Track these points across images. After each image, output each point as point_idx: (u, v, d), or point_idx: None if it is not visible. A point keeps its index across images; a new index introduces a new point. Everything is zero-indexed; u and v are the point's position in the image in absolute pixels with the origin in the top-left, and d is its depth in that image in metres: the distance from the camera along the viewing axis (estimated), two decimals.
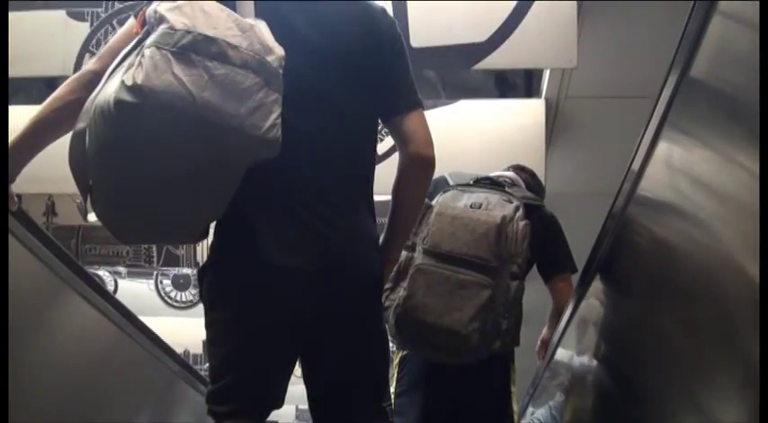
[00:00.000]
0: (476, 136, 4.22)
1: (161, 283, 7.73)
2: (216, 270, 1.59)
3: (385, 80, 1.66)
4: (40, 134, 1.57)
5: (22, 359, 1.96)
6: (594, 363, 1.95)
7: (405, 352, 2.38)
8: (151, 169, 1.38)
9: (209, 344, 1.62)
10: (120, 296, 5.71)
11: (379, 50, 1.65)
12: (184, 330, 6.75)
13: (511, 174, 2.46)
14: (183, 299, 7.59)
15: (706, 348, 1.11)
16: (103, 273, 7.84)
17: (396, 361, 2.41)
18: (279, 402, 1.62)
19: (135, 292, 7.33)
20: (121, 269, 7.90)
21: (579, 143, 4.66)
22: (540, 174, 4.16)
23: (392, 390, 2.28)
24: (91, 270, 7.07)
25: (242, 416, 1.56)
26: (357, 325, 1.61)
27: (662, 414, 1.34)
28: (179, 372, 3.85)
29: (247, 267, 1.54)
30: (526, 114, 4.25)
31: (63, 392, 2.40)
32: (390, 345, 1.84)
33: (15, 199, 1.65)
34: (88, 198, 1.47)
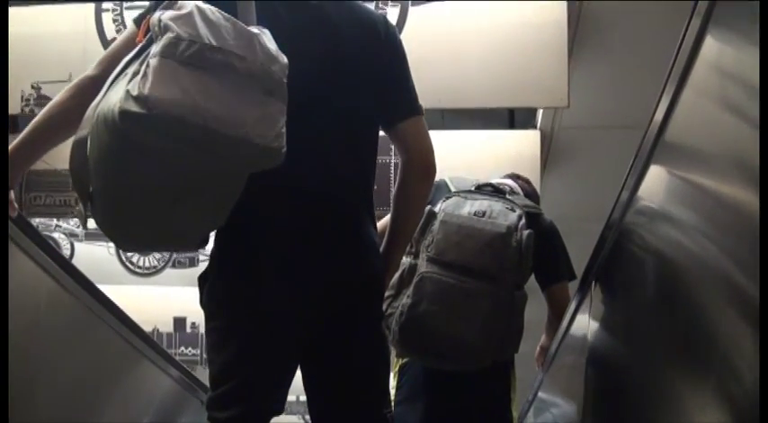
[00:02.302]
0: (475, 39, 3.87)
1: None
2: (216, 277, 1.71)
3: (385, 87, 1.79)
4: (39, 140, 1.68)
5: None
6: (595, 367, 2.06)
7: (405, 359, 2.54)
8: (154, 178, 1.48)
9: (209, 350, 1.74)
10: (76, 261, 5.64)
11: (380, 57, 1.78)
12: (152, 303, 6.65)
13: (509, 181, 2.64)
14: (147, 264, 7.39)
15: (708, 352, 1.16)
16: (59, 235, 7.80)
17: (395, 369, 2.58)
18: (279, 409, 1.74)
19: (94, 256, 7.29)
20: (78, 231, 7.86)
21: (609, 55, 4.05)
22: (562, 86, 3.89)
23: (392, 397, 2.41)
24: (45, 233, 7.01)
25: (242, 422, 1.68)
26: (358, 331, 1.75)
27: (661, 418, 1.40)
28: (149, 353, 3.74)
29: (248, 275, 1.67)
30: (543, 13, 3.82)
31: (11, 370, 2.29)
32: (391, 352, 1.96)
33: (15, 204, 1.74)
34: (88, 205, 1.57)
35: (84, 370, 2.89)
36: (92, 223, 1.67)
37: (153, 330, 6.77)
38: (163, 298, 6.69)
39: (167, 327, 7.02)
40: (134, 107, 1.38)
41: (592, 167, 4.79)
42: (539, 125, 4.81)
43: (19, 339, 2.32)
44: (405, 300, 2.21)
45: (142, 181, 1.49)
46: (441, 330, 2.17)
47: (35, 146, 1.69)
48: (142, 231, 1.59)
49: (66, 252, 7.43)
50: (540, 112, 4.74)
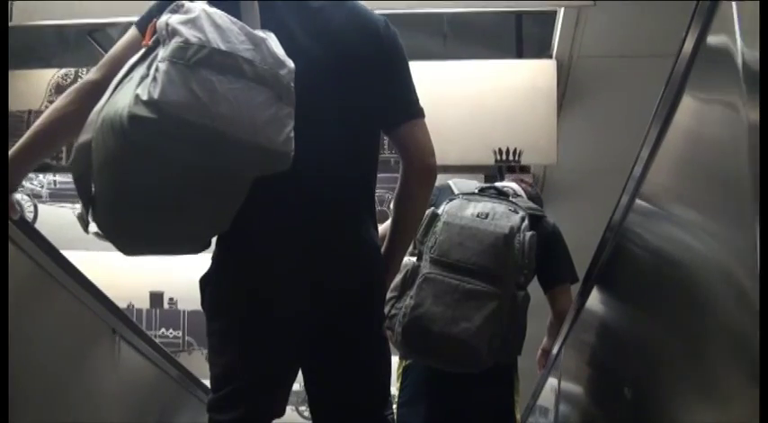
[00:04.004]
0: None
1: None
2: (218, 280, 1.82)
3: (386, 89, 1.89)
4: (40, 145, 1.78)
5: None
6: (595, 370, 2.21)
7: (408, 361, 2.69)
8: (159, 182, 1.56)
9: (211, 352, 1.85)
10: (39, 225, 5.55)
11: (380, 59, 1.88)
12: (124, 275, 6.45)
13: (513, 184, 2.81)
14: None
15: (709, 356, 1.23)
16: (21, 196, 7.74)
17: (399, 370, 2.73)
18: (280, 411, 1.86)
19: (59, 219, 7.17)
20: (42, 191, 7.80)
21: None
22: None
23: (395, 399, 2.59)
24: None
25: None
26: (359, 333, 1.86)
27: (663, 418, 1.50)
28: (123, 331, 3.56)
29: (249, 278, 1.77)
30: None
31: None
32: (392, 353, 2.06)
33: (17, 207, 1.84)
34: (90, 209, 1.65)
35: (47, 349, 2.80)
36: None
37: (129, 306, 6.66)
38: (137, 267, 6.48)
39: (144, 302, 6.90)
40: (144, 112, 1.47)
41: (617, 103, 4.57)
42: (554, 54, 4.40)
43: None
44: (408, 301, 2.34)
45: (147, 184, 1.57)
46: (443, 331, 2.29)
47: (36, 150, 1.78)
48: (145, 234, 1.68)
49: (28, 215, 7.35)
50: (557, 37, 4.52)
